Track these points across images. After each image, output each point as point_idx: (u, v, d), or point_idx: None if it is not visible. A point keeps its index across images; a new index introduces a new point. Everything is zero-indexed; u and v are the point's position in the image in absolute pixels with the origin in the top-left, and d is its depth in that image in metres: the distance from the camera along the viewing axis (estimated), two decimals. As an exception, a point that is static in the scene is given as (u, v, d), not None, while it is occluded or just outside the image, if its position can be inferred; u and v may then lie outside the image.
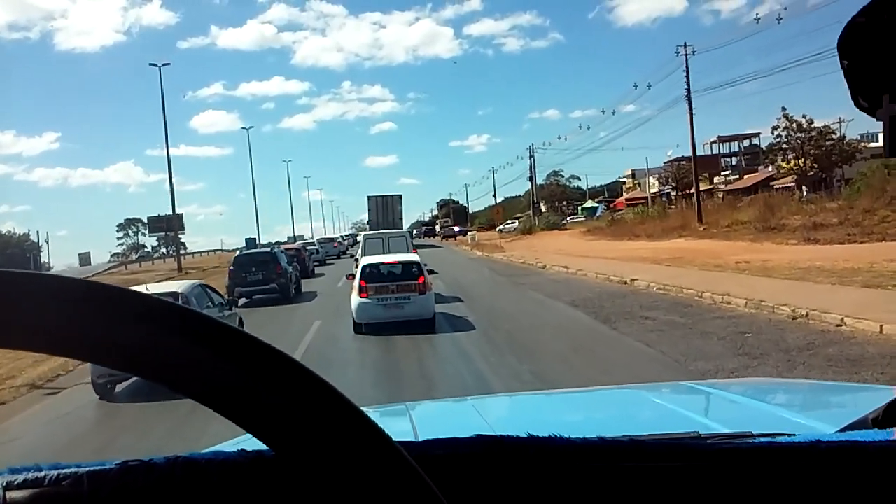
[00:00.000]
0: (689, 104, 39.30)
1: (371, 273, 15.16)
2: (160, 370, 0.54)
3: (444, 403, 3.62)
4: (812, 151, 49.18)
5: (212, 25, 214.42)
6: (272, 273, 23.98)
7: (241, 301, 21.79)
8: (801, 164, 49.78)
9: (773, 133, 50.24)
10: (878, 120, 0.75)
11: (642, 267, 23.99)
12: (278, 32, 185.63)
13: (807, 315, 12.88)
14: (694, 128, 40.03)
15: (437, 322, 15.05)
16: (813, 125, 48.19)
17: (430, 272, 15.77)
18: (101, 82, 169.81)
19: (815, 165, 49.88)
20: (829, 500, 0.83)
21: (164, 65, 52.35)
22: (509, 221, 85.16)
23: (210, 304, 13.68)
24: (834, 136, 48.36)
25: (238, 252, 29.93)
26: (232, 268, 24.61)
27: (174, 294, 12.56)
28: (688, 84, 39.22)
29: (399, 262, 15.64)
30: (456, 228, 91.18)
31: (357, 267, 16.84)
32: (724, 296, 15.76)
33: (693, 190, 67.43)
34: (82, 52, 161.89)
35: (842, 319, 12.04)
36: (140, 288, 14.40)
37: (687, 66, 39.17)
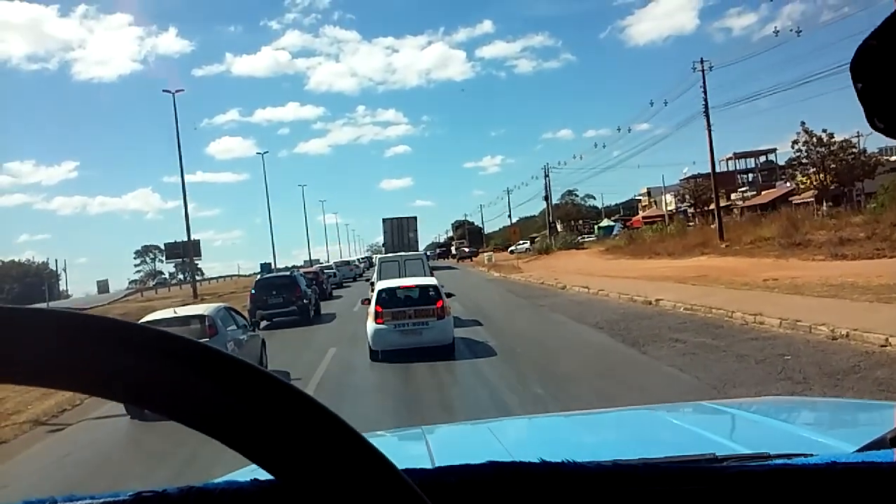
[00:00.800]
0: (708, 120, 38.72)
1: (387, 298, 14.60)
2: (163, 402, 0.54)
3: (460, 427, 3.63)
4: (832, 166, 48.35)
5: (227, 53, 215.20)
6: (292, 296, 24.63)
7: (263, 324, 22.38)
8: (822, 179, 48.94)
9: (792, 147, 49.48)
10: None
11: (666, 286, 23.29)
12: (292, 59, 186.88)
13: (847, 335, 12.18)
14: (713, 143, 39.38)
15: (457, 348, 14.45)
16: (833, 139, 47.36)
17: (448, 295, 15.15)
18: (119, 111, 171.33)
19: (836, 180, 49.05)
20: None
21: (177, 91, 52.49)
22: (520, 242, 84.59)
23: (234, 325, 13.75)
24: (855, 150, 47.51)
25: (258, 276, 30.52)
26: (253, 291, 25.18)
27: (200, 316, 12.94)
28: (705, 99, 38.69)
29: (416, 286, 15.06)
30: (466, 250, 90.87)
31: (372, 291, 16.28)
32: (757, 315, 15.07)
33: (711, 207, 67.02)
34: (100, 82, 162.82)
35: (886, 339, 11.34)
36: (168, 311, 14.57)
37: (704, 82, 38.64)
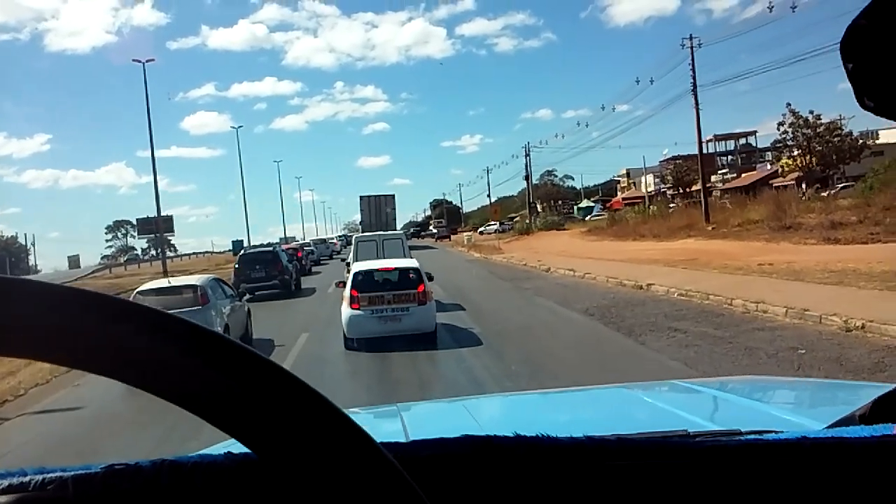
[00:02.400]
0: (696, 98, 37.66)
1: (364, 281, 13.42)
2: (143, 375, 0.55)
3: (435, 404, 3.62)
4: (818, 148, 47.68)
5: (202, 25, 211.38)
6: (274, 270, 25.96)
7: (245, 297, 22.24)
8: (808, 161, 48.28)
9: (778, 129, 48.72)
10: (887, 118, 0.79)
11: (656, 270, 22.30)
12: (270, 32, 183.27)
13: (863, 327, 11.24)
14: (700, 123, 38.37)
15: (439, 335, 13.34)
16: (820, 121, 46.63)
17: (428, 277, 14.00)
18: (93, 83, 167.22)
19: (821, 163, 48.43)
20: (815, 497, 0.83)
21: (147, 61, 50.86)
22: (489, 223, 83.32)
23: (223, 295, 14.70)
24: (841, 132, 46.84)
25: (230, 254, 32.26)
26: (237, 265, 26.68)
27: (193, 286, 14.11)
28: (693, 77, 37.61)
29: (396, 269, 13.89)
30: (433, 230, 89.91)
31: (348, 273, 15.09)
32: (759, 303, 14.09)
33: (694, 189, 66.40)
34: (73, 54, 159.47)
35: (908, 332, 10.42)
36: (163, 281, 15.77)
37: (693, 59, 37.52)
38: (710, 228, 34.70)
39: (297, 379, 0.55)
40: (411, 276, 13.50)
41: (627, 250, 31.72)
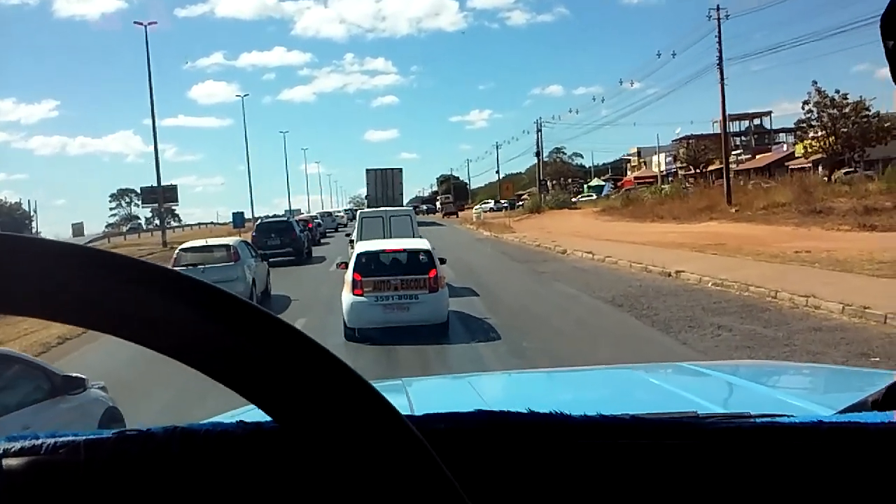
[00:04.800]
0: (721, 73, 35.77)
1: (368, 263, 11.93)
2: (170, 342, 0.54)
3: (441, 380, 3.68)
4: (844, 129, 45.68)
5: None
6: (288, 238, 28.10)
7: None
8: (832, 143, 46.31)
9: (802, 108, 46.66)
10: None
11: (683, 255, 20.74)
12: (279, 1, 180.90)
13: (944, 330, 9.76)
14: (725, 98, 36.49)
15: (451, 326, 11.88)
16: (846, 100, 44.59)
17: (441, 260, 12.51)
18: (101, 50, 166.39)
19: (846, 145, 46.47)
20: (830, 481, 0.82)
21: (150, 24, 48.95)
22: (485, 201, 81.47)
23: (250, 255, 17.37)
24: (868, 112, 44.83)
25: (258, 222, 34.24)
26: (254, 234, 28.79)
27: (226, 246, 16.93)
28: (720, 50, 35.69)
29: (404, 250, 12.38)
30: (439, 206, 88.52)
31: (352, 250, 13.58)
32: (808, 297, 12.57)
33: (710, 168, 64.57)
34: (82, 19, 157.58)
35: None
36: (201, 241, 17.98)
37: (720, 31, 35.62)
38: (733, 211, 33.06)
39: (322, 348, 0.54)
40: (422, 258, 12.01)
41: (647, 232, 30.10)
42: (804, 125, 48.53)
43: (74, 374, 6.32)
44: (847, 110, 45.08)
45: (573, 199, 69.65)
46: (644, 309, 13.34)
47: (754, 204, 32.40)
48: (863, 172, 41.95)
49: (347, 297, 11.55)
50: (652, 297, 14.61)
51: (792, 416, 1.11)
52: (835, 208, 27.92)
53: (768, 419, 1.03)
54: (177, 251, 17.38)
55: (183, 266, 15.66)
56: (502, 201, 72.78)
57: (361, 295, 11.46)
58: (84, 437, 0.73)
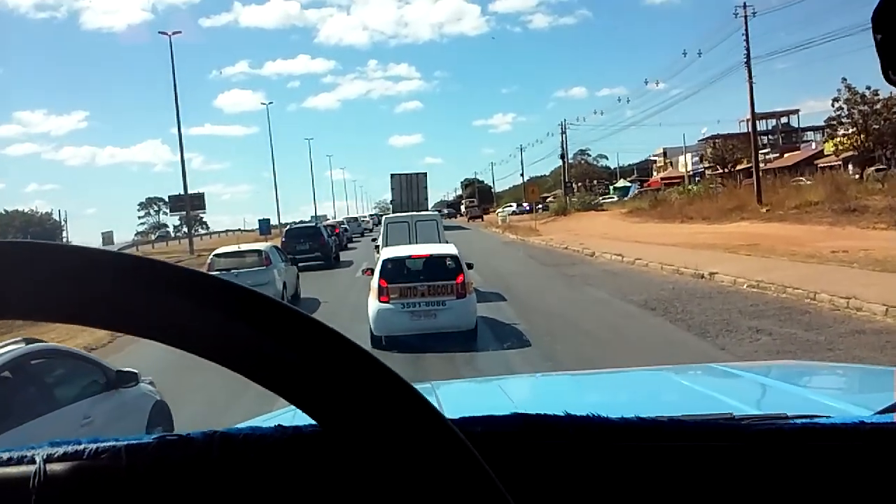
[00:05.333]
0: (749, 71, 35.07)
1: (394, 270, 11.69)
2: (214, 347, 0.55)
3: (469, 383, 3.64)
4: (875, 126, 44.81)
5: (235, 2, 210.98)
6: (317, 243, 28.68)
7: None
8: (863, 140, 45.44)
9: (832, 105, 45.84)
10: None
11: (715, 256, 20.28)
12: (302, 10, 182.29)
13: None
14: (753, 97, 35.89)
15: (480, 333, 11.61)
16: (878, 97, 43.70)
17: (468, 266, 12.25)
18: (128, 61, 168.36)
19: (877, 142, 45.59)
20: (872, 482, 0.80)
21: (174, 33, 49.39)
22: (508, 204, 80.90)
23: (281, 259, 17.87)
24: (902, 108, 43.90)
25: (287, 228, 35.04)
26: (284, 239, 29.24)
27: (258, 251, 17.57)
28: (747, 49, 35.00)
29: (431, 256, 12.13)
30: (464, 210, 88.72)
31: (377, 257, 13.37)
32: (850, 299, 12.14)
33: (738, 168, 63.63)
34: (109, 31, 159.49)
35: None
36: (233, 246, 18.75)
37: (747, 28, 34.94)
38: (763, 210, 32.40)
39: (363, 350, 0.54)
40: (449, 264, 11.74)
41: (676, 233, 29.59)
42: (834, 122, 47.71)
43: (127, 369, 6.78)
44: (878, 107, 44.26)
45: (599, 201, 68.97)
46: (678, 313, 12.97)
47: (785, 203, 31.72)
48: (895, 169, 41.04)
49: (374, 303, 11.33)
50: (685, 300, 14.24)
51: (830, 416, 1.11)
52: (869, 206, 27.20)
53: (807, 420, 1.02)
54: (210, 256, 17.93)
55: (217, 271, 15.78)
56: (525, 205, 72.32)
57: (388, 302, 11.25)
58: (125, 443, 0.73)
